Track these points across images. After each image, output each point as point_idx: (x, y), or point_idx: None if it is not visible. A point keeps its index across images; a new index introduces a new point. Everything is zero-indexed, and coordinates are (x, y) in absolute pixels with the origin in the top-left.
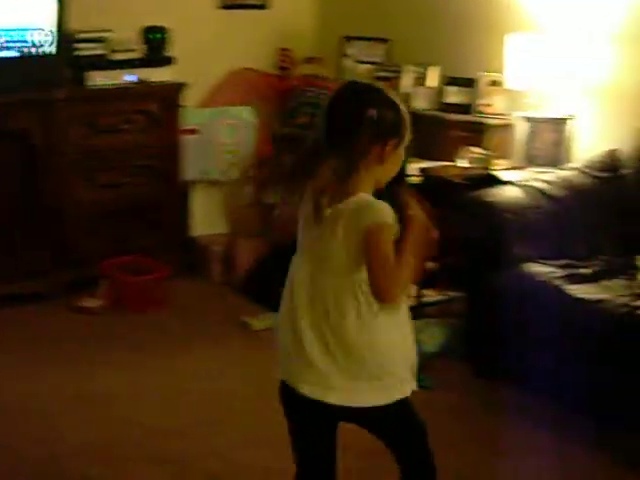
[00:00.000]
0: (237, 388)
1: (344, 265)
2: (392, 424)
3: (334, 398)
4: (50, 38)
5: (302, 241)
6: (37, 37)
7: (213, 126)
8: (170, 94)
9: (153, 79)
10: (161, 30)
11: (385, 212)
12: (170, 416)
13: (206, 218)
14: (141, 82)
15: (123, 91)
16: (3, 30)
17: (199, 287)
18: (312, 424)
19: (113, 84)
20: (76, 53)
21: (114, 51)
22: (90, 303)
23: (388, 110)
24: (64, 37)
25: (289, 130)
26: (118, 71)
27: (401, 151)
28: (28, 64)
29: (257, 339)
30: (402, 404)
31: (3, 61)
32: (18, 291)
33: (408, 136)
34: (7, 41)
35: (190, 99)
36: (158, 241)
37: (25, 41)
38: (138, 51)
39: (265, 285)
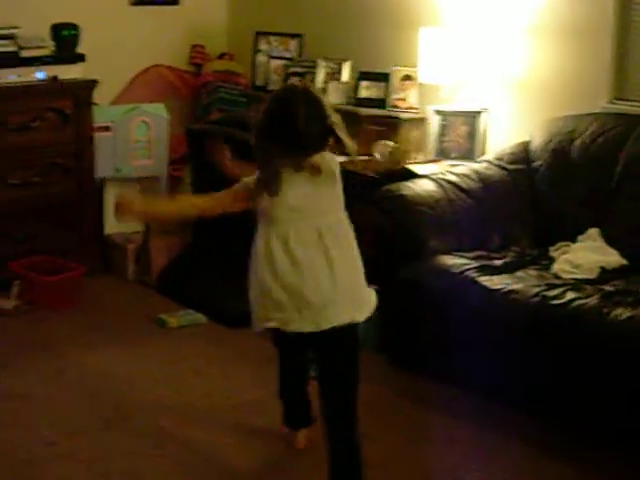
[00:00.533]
0: (153, 385)
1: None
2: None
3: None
4: None
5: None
6: None
7: (126, 123)
8: (82, 91)
9: (64, 76)
10: (71, 27)
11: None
12: (83, 416)
13: None
14: (52, 79)
15: (33, 88)
16: None
17: (114, 286)
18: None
19: (23, 81)
20: None
21: (23, 48)
22: (4, 304)
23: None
24: None
25: (202, 126)
26: (28, 68)
27: None
28: None
29: (173, 336)
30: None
31: None
32: None
33: None
34: None
35: (102, 96)
36: (72, 240)
37: None
38: (48, 48)
39: (180, 282)
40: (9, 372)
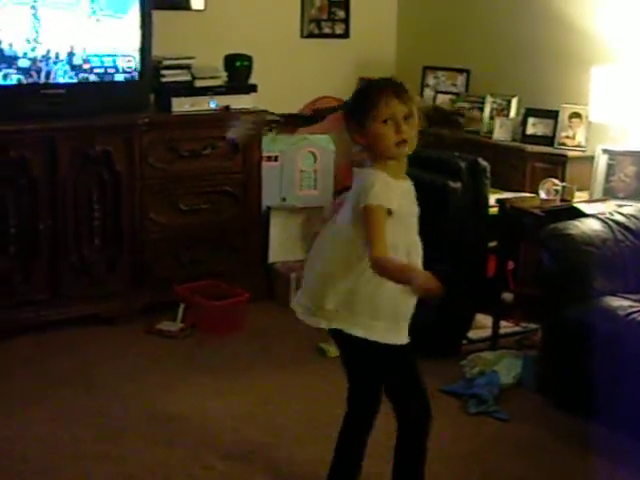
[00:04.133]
0: (310, 414)
1: None
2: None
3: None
4: (136, 64)
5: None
6: (123, 63)
7: (293, 153)
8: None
9: (236, 106)
10: (244, 58)
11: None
12: (241, 440)
13: (284, 244)
14: (224, 109)
15: (206, 117)
16: (91, 56)
17: (277, 313)
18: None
19: (196, 110)
20: (161, 79)
21: (197, 78)
22: (170, 327)
23: None
24: (150, 63)
25: None
26: (202, 97)
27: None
28: (114, 89)
29: (333, 365)
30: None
31: (90, 86)
32: (94, 312)
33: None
34: (94, 66)
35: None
36: (237, 266)
37: (112, 67)
38: (221, 78)
39: None
40: (171, 393)
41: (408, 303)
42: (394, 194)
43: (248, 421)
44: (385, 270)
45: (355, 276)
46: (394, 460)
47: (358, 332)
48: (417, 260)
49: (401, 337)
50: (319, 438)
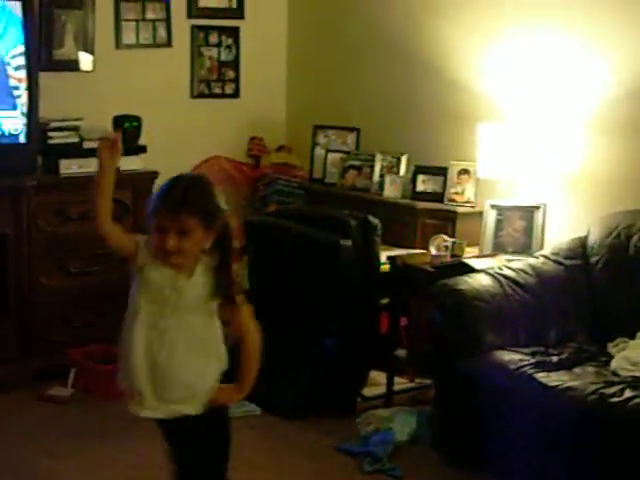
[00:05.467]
0: None
1: None
2: None
3: None
4: (22, 126)
5: None
6: (10, 126)
7: None
8: (142, 183)
9: (125, 168)
10: (133, 118)
11: None
12: None
13: None
14: None
15: (94, 179)
16: None
17: None
18: None
19: (84, 172)
20: (49, 141)
21: (85, 139)
22: (61, 392)
23: None
24: (37, 125)
25: (259, 218)
26: (90, 159)
27: None
28: (1, 152)
29: None
30: None
31: None
32: None
33: None
34: None
35: None
36: None
37: None
38: None
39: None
40: (59, 460)
41: None
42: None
43: None
44: None
45: None
46: None
47: None
48: None
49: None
50: None
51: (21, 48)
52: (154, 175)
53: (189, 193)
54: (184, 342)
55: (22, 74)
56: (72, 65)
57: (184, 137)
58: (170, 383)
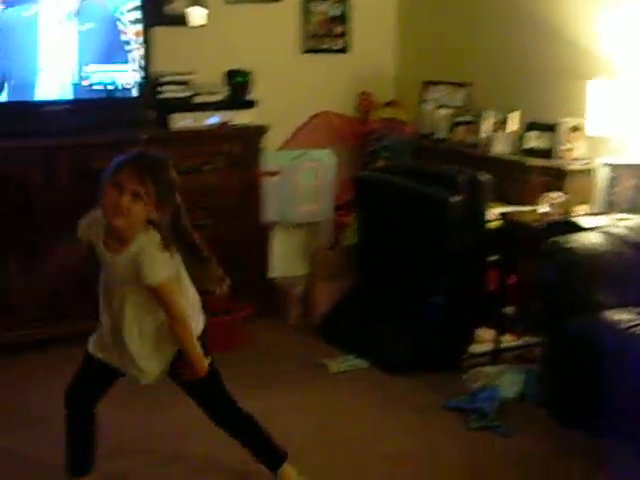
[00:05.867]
0: (311, 430)
1: None
2: None
3: None
4: (135, 81)
5: None
6: (122, 80)
7: (294, 168)
8: (252, 137)
9: (235, 122)
10: (244, 73)
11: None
12: (245, 460)
13: (285, 259)
14: (223, 124)
15: (205, 133)
16: (91, 72)
17: (277, 328)
18: None
19: (196, 126)
20: (160, 96)
21: (197, 94)
22: None
23: None
24: (149, 80)
25: (368, 173)
26: (201, 113)
27: None
28: (114, 106)
29: (333, 381)
30: None
31: (90, 102)
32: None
33: None
34: (94, 83)
35: (271, 141)
36: (237, 282)
37: (111, 83)
38: (221, 94)
39: (343, 327)
40: (168, 409)
41: None
42: None
43: None
44: None
45: None
46: None
47: None
48: None
49: None
50: (325, 457)
51: (134, 3)
52: (263, 129)
53: (156, 164)
54: (127, 320)
55: (135, 29)
56: (182, 20)
57: (293, 92)
58: (124, 354)
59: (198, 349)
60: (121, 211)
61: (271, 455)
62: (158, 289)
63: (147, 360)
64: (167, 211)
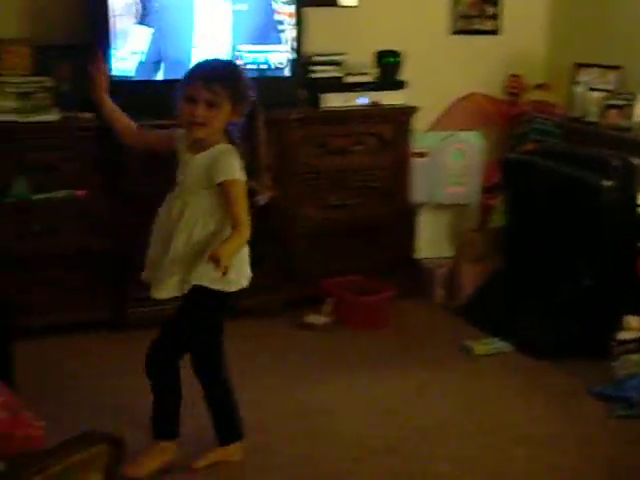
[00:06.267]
0: (453, 413)
1: None
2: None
3: None
4: (287, 60)
5: None
6: (275, 59)
7: (442, 150)
8: (401, 117)
9: (385, 102)
10: (395, 54)
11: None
12: (385, 436)
13: (431, 241)
14: (373, 105)
15: (355, 113)
16: (244, 52)
17: (422, 309)
18: None
19: (346, 106)
20: (312, 75)
21: (348, 74)
22: (315, 320)
23: None
24: (301, 60)
25: (517, 156)
26: (351, 94)
27: None
28: (266, 85)
29: (478, 364)
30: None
31: None
32: (247, 306)
33: None
34: (247, 62)
35: (420, 122)
36: (383, 262)
37: (264, 62)
38: (371, 74)
39: (488, 310)
40: (312, 386)
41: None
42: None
43: (391, 418)
44: None
45: None
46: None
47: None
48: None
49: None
50: (462, 437)
51: None
52: (413, 110)
53: (223, 69)
54: (182, 224)
55: (289, 9)
56: (333, 1)
57: (442, 73)
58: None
59: (232, 257)
60: (200, 122)
61: (229, 429)
62: (231, 185)
63: (178, 266)
64: (243, 113)
